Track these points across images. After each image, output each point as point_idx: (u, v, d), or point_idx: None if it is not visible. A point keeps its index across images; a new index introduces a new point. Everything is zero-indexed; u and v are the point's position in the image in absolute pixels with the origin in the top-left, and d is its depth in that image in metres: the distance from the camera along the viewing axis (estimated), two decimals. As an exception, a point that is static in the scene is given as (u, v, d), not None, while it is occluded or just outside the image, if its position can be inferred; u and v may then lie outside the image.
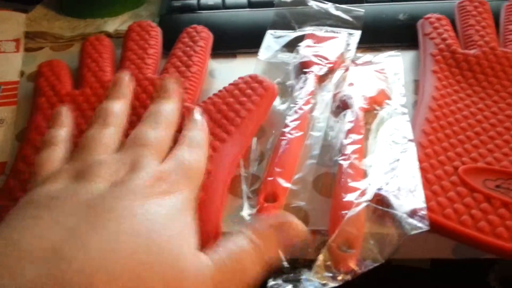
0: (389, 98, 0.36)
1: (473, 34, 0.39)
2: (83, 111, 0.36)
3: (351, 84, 0.37)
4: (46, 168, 0.27)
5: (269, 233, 0.26)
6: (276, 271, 0.26)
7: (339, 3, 0.45)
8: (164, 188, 0.25)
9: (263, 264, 0.24)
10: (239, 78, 0.37)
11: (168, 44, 0.42)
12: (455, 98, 0.35)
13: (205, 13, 0.47)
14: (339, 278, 0.25)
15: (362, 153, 0.31)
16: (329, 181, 0.31)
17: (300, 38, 0.43)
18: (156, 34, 0.42)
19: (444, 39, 0.39)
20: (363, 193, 0.28)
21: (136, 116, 0.35)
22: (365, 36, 0.43)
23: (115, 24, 0.50)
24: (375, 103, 0.36)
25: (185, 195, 0.25)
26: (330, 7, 0.45)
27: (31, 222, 0.21)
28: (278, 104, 0.37)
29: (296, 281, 0.25)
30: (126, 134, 0.30)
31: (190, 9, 0.48)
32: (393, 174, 0.29)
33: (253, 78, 0.36)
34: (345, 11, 0.45)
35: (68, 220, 0.21)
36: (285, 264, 0.26)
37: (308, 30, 0.44)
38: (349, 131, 0.33)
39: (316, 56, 0.40)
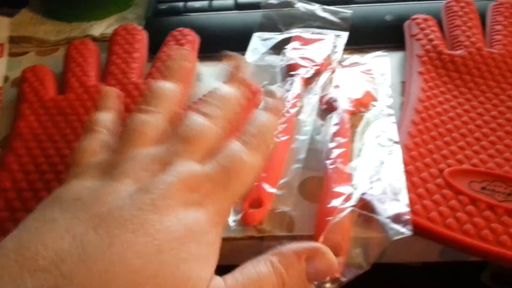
0: (375, 100, 0.36)
1: (460, 34, 0.39)
2: (66, 116, 0.35)
3: (337, 86, 0.37)
4: (86, 157, 0.25)
5: (295, 261, 0.23)
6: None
7: (326, 4, 0.45)
8: (192, 198, 0.22)
9: None
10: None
11: (155, 48, 0.41)
12: (441, 99, 0.35)
13: (191, 16, 0.47)
14: (326, 286, 0.25)
15: (347, 156, 0.31)
16: (315, 186, 0.31)
17: (287, 40, 0.43)
18: (142, 37, 0.41)
19: (430, 40, 0.39)
20: (348, 198, 0.28)
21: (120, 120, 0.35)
22: (352, 38, 0.42)
23: (101, 27, 0.49)
24: (361, 105, 0.36)
25: (215, 209, 0.22)
26: (317, 9, 0.45)
27: (46, 227, 0.21)
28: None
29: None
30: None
31: (177, 11, 0.48)
32: (378, 177, 0.29)
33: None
34: (332, 12, 0.44)
35: (79, 229, 0.20)
36: None
37: (295, 32, 0.43)
38: (335, 134, 0.33)
39: (302, 58, 0.40)
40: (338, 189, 0.29)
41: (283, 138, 0.32)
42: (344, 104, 0.35)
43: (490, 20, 0.41)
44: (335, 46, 0.42)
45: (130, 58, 0.39)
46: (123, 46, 0.40)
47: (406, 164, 0.30)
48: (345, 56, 0.42)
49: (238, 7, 0.47)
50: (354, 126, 0.34)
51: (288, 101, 0.35)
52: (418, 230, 0.27)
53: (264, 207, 0.28)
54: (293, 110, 0.35)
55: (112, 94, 0.30)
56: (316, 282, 0.24)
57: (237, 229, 0.29)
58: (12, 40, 0.48)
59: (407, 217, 0.26)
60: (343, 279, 0.25)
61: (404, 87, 0.38)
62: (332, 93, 0.37)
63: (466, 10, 0.41)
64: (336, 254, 0.26)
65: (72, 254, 0.19)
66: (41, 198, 0.31)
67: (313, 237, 0.27)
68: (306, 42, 0.42)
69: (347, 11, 0.44)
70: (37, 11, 0.52)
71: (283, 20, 0.44)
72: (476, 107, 0.34)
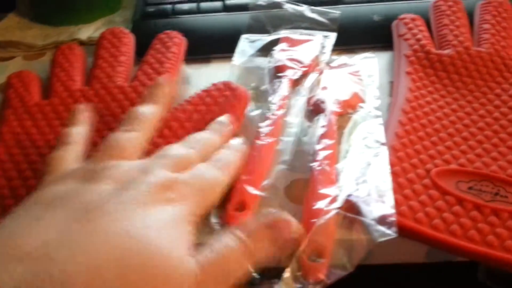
0: (363, 101, 0.36)
1: (447, 34, 0.39)
2: (50, 121, 0.35)
3: (324, 88, 0.37)
4: (59, 167, 0.27)
5: (259, 230, 0.25)
6: (246, 283, 0.25)
7: (314, 5, 0.45)
8: (169, 196, 0.24)
9: (253, 263, 0.24)
10: (212, 84, 0.36)
11: (143, 51, 0.41)
12: (429, 99, 0.35)
13: (179, 18, 0.47)
14: (309, 288, 0.25)
15: (334, 158, 0.31)
16: (301, 188, 0.31)
17: (275, 42, 0.42)
18: (128, 40, 0.41)
19: (418, 40, 0.39)
20: (333, 200, 0.28)
21: (104, 124, 0.34)
22: (341, 38, 0.42)
23: (89, 31, 0.49)
24: (349, 106, 0.35)
25: (189, 208, 0.25)
26: (305, 10, 0.45)
27: (31, 222, 0.22)
28: (252, 109, 0.37)
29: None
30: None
31: (165, 14, 0.47)
32: (364, 179, 0.29)
33: (226, 85, 0.36)
34: (320, 13, 0.44)
35: (64, 223, 0.21)
36: (255, 275, 0.25)
37: (283, 33, 0.43)
38: (322, 136, 0.32)
39: (290, 60, 0.40)
40: (324, 191, 0.28)
41: (268, 140, 0.32)
42: (331, 106, 0.35)
43: (478, 19, 0.40)
44: (323, 47, 0.42)
45: (116, 62, 0.39)
46: (109, 49, 0.40)
47: (392, 165, 0.30)
48: (334, 57, 0.41)
49: (226, 9, 0.47)
50: (341, 128, 0.34)
51: (275, 103, 0.35)
52: (404, 232, 0.27)
53: (248, 210, 0.28)
54: (279, 112, 0.34)
55: (83, 109, 0.32)
56: (299, 285, 0.24)
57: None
58: (-1, 45, 0.48)
59: (392, 218, 0.26)
60: (327, 281, 0.24)
61: (392, 87, 0.38)
62: (319, 94, 0.37)
63: (454, 9, 0.41)
64: (321, 256, 0.25)
65: (58, 241, 0.20)
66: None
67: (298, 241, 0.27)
68: (294, 43, 0.42)
69: (335, 11, 0.44)
70: (24, 15, 0.52)
71: (271, 22, 0.44)
72: (463, 106, 0.34)
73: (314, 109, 0.36)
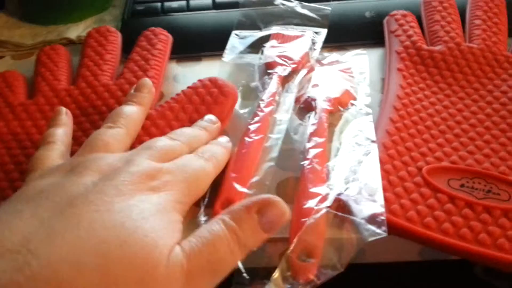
0: (354, 99, 0.36)
1: (439, 30, 0.38)
2: (35, 121, 0.35)
3: (315, 85, 0.36)
4: (43, 164, 0.27)
5: (246, 215, 0.24)
6: (236, 283, 0.25)
7: (305, 1, 0.44)
8: (153, 184, 0.24)
9: (242, 249, 0.23)
10: (198, 81, 0.35)
11: (131, 49, 0.40)
12: (420, 96, 0.34)
13: (169, 16, 0.46)
14: (299, 289, 0.24)
15: (324, 156, 0.30)
16: (292, 186, 0.30)
17: (266, 38, 0.42)
18: (115, 39, 0.40)
19: (409, 36, 0.38)
20: (324, 199, 0.27)
21: (90, 123, 0.34)
22: (332, 35, 0.42)
23: (78, 30, 0.48)
24: (340, 104, 0.35)
25: (176, 196, 0.24)
26: (296, 6, 0.44)
27: (12, 217, 0.21)
28: (242, 107, 0.36)
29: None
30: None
31: (154, 12, 0.47)
32: (354, 177, 0.28)
33: (213, 82, 0.35)
34: (311, 9, 0.44)
35: (46, 214, 0.21)
36: (245, 276, 0.25)
37: (273, 29, 0.43)
38: (312, 134, 0.32)
39: (280, 56, 0.39)
40: (314, 189, 0.28)
41: (256, 137, 0.32)
42: (322, 104, 0.34)
43: (469, 15, 0.40)
44: (314, 43, 0.41)
45: (102, 60, 0.38)
46: (96, 48, 0.39)
47: (383, 162, 0.29)
48: (325, 54, 0.41)
49: (216, 6, 0.46)
50: (332, 125, 0.34)
51: (264, 100, 0.35)
52: (396, 230, 0.26)
53: None
54: (268, 109, 0.34)
55: (63, 111, 0.32)
56: (288, 286, 0.24)
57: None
58: (-14, 44, 0.47)
59: (383, 217, 0.25)
60: (317, 281, 0.24)
61: (383, 84, 0.37)
62: (310, 92, 0.36)
63: (445, 5, 0.40)
64: (311, 255, 0.25)
65: (40, 234, 0.20)
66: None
67: (288, 239, 0.27)
68: (284, 39, 0.41)
69: (326, 7, 0.43)
70: (13, 14, 0.51)
71: (262, 18, 0.44)
72: (455, 103, 0.34)
73: (305, 107, 0.36)
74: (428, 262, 0.29)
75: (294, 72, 0.38)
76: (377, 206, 0.26)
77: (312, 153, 0.31)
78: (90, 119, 0.34)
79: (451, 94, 0.35)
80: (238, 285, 0.25)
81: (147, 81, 0.33)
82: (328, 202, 0.27)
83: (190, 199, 0.26)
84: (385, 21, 0.41)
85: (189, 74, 0.41)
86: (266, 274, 0.25)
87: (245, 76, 0.39)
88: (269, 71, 0.38)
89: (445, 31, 0.38)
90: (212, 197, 0.28)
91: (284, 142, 0.33)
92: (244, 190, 0.28)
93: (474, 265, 0.33)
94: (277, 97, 0.36)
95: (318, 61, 0.40)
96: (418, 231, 0.26)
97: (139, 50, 0.39)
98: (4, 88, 0.37)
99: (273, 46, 0.41)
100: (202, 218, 0.28)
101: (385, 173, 0.29)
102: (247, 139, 0.32)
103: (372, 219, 0.25)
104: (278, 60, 0.39)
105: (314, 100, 0.35)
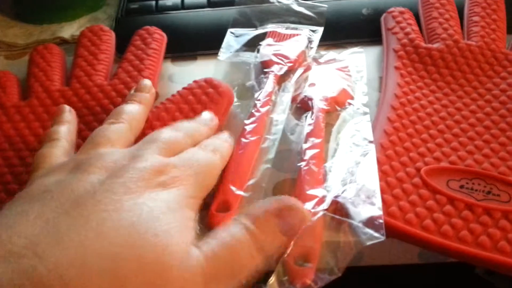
0: (351, 98, 0.35)
1: (437, 27, 0.38)
2: (29, 123, 0.34)
3: (312, 84, 0.36)
4: (47, 161, 0.26)
5: (267, 219, 0.23)
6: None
7: (302, -2, 0.44)
8: (162, 180, 0.23)
9: (262, 254, 0.22)
10: (194, 81, 0.35)
11: (125, 48, 0.40)
12: (418, 95, 0.34)
13: (163, 15, 0.45)
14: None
15: (321, 157, 0.30)
16: (288, 188, 0.30)
17: (262, 37, 0.41)
18: (109, 38, 0.40)
19: (407, 34, 0.38)
20: (320, 201, 0.27)
21: (84, 124, 0.33)
22: (329, 33, 0.41)
23: (72, 29, 0.47)
24: (337, 103, 0.34)
25: (186, 191, 0.24)
26: (293, 4, 0.44)
27: (17, 218, 0.20)
28: (237, 106, 0.36)
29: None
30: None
31: (148, 10, 0.46)
32: (352, 179, 0.28)
33: (208, 82, 0.35)
34: (307, 7, 0.43)
35: (52, 215, 0.20)
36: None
37: (269, 27, 0.42)
38: (309, 135, 0.32)
39: (276, 55, 0.39)
40: (311, 191, 0.27)
41: (252, 138, 0.31)
42: (319, 103, 0.34)
43: (467, 11, 0.39)
44: (310, 42, 0.40)
45: (96, 60, 0.37)
46: (89, 48, 0.39)
47: (381, 163, 0.29)
48: (322, 52, 0.40)
49: (211, 4, 0.46)
50: (329, 125, 0.33)
51: (260, 100, 0.34)
52: (394, 233, 0.26)
53: (232, 211, 0.27)
54: (264, 109, 0.33)
55: (67, 109, 0.32)
56: None
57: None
58: (-21, 44, 0.47)
59: (381, 220, 0.25)
60: (314, 286, 0.24)
61: (381, 82, 0.37)
62: (307, 91, 0.36)
63: (443, 1, 0.39)
64: (308, 259, 0.25)
65: (46, 236, 0.19)
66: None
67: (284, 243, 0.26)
68: (280, 38, 0.41)
69: (322, 5, 0.43)
70: (6, 13, 0.51)
71: (258, 16, 0.43)
72: (454, 101, 0.33)
73: (302, 106, 0.35)
74: (427, 265, 0.29)
75: (290, 71, 0.38)
76: (375, 209, 0.25)
77: (308, 154, 0.30)
78: (85, 120, 0.34)
79: (450, 92, 0.34)
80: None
81: (147, 82, 0.33)
82: (325, 205, 0.26)
83: (200, 194, 0.25)
84: (382, 18, 0.41)
85: (185, 73, 0.41)
86: (263, 278, 0.25)
87: (241, 75, 0.39)
88: (265, 70, 0.38)
89: (443, 28, 0.37)
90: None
91: (281, 142, 0.32)
92: (241, 193, 0.28)
93: (476, 266, 0.33)
94: (273, 97, 0.35)
95: (315, 59, 0.39)
96: (417, 234, 0.26)
97: (134, 49, 0.38)
98: (-3, 89, 0.36)
99: (269, 45, 0.40)
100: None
101: (383, 175, 0.28)
102: (243, 140, 0.31)
103: (370, 222, 0.25)
104: (274, 59, 0.38)
105: (310, 99, 0.34)
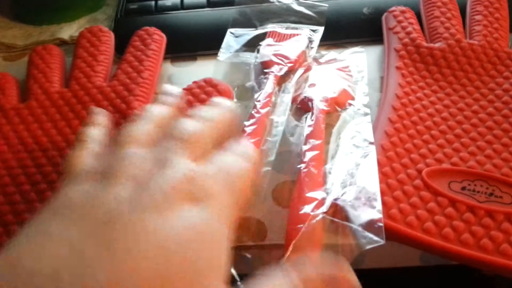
0: (352, 98, 0.35)
1: (438, 26, 0.37)
2: (28, 125, 0.34)
3: (312, 85, 0.36)
4: (75, 166, 0.25)
5: (317, 284, 0.21)
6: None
7: (302, -2, 0.44)
8: (193, 192, 0.21)
9: None
10: (193, 82, 0.35)
11: (125, 49, 0.40)
12: (420, 95, 0.33)
13: (163, 15, 0.45)
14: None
15: (321, 159, 0.30)
16: (288, 191, 0.30)
17: (262, 37, 0.41)
18: (108, 39, 0.40)
19: (408, 33, 0.37)
20: (320, 204, 0.26)
21: (79, 121, 0.33)
22: (329, 32, 0.41)
23: (72, 29, 0.47)
24: (337, 104, 0.34)
25: (220, 205, 0.22)
26: (293, 3, 0.43)
27: (40, 239, 0.19)
28: (237, 107, 0.36)
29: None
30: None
31: (148, 11, 0.46)
32: (352, 181, 0.27)
33: (208, 82, 0.34)
34: (308, 6, 0.43)
35: (77, 237, 0.19)
36: (240, 284, 0.24)
37: (269, 27, 0.42)
38: (309, 136, 0.31)
39: (276, 55, 0.38)
40: (310, 194, 0.27)
41: (252, 140, 0.31)
42: (319, 104, 0.34)
43: (469, 10, 0.39)
44: (310, 42, 0.40)
45: (95, 61, 0.37)
46: (88, 49, 0.38)
47: (382, 165, 0.29)
48: (323, 52, 0.40)
49: (211, 4, 0.45)
50: (330, 126, 0.33)
51: (259, 101, 0.34)
52: (395, 236, 0.26)
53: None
54: (264, 110, 0.33)
55: (102, 112, 0.30)
56: None
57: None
58: (-22, 46, 0.47)
59: (380, 224, 0.24)
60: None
61: (382, 83, 0.36)
62: (307, 92, 0.35)
63: (444, 0, 0.39)
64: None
65: (70, 267, 0.18)
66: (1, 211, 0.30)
67: (283, 246, 0.26)
68: (281, 38, 0.41)
69: (323, 4, 0.43)
70: (5, 15, 0.50)
71: (257, 16, 0.43)
72: (456, 101, 0.33)
73: (302, 107, 0.35)
74: (429, 267, 0.29)
75: (290, 71, 0.37)
76: (375, 212, 0.25)
77: (308, 156, 0.30)
78: (84, 123, 0.33)
79: (452, 92, 0.34)
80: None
81: (172, 87, 0.31)
82: (324, 208, 0.26)
83: (235, 208, 0.23)
84: (383, 17, 0.40)
85: (184, 74, 0.40)
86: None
87: (241, 75, 0.38)
88: (265, 70, 0.37)
89: (445, 28, 0.37)
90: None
91: (281, 144, 0.32)
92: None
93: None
94: (273, 98, 0.35)
95: (315, 59, 0.39)
96: (417, 237, 0.25)
97: (133, 50, 0.38)
98: (-4, 91, 0.36)
99: (269, 45, 0.40)
100: None
101: (384, 176, 0.28)
102: (243, 141, 0.31)
103: (370, 225, 0.25)
104: (274, 59, 0.38)
105: (311, 100, 0.34)
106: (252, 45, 0.40)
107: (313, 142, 0.31)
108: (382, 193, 0.27)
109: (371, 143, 0.30)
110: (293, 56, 0.38)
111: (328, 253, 0.25)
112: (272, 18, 0.43)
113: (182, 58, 0.42)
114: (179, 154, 0.23)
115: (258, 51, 0.39)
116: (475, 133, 0.31)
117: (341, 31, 0.42)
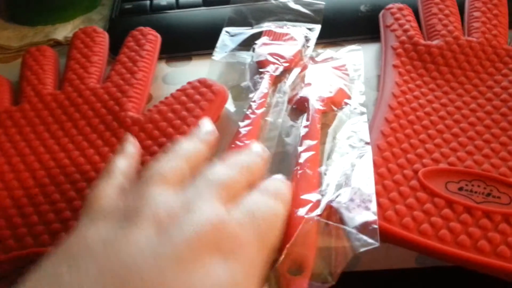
0: (348, 97, 0.34)
1: (436, 23, 0.37)
2: (20, 128, 0.33)
3: (308, 84, 0.35)
4: (98, 201, 0.23)
5: None
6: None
7: (298, -5, 0.43)
8: (220, 243, 0.20)
9: None
10: (187, 83, 0.35)
11: (119, 49, 0.39)
12: (417, 93, 0.33)
13: (158, 14, 0.45)
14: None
15: (316, 160, 0.29)
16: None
17: (258, 36, 0.41)
18: (102, 40, 0.39)
19: (405, 31, 0.37)
20: (315, 206, 0.26)
21: (76, 129, 0.33)
22: (326, 31, 0.40)
23: (66, 30, 0.47)
24: (334, 103, 0.34)
25: (249, 259, 0.20)
26: (289, 1, 0.43)
27: (49, 282, 0.18)
28: (232, 108, 0.35)
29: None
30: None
31: (143, 10, 0.45)
32: (347, 183, 0.27)
33: (202, 82, 0.34)
34: (304, 4, 0.42)
35: (87, 285, 0.18)
36: None
37: (265, 26, 0.41)
38: (304, 137, 0.31)
39: (272, 54, 0.38)
40: (305, 196, 0.27)
41: (247, 142, 0.30)
42: (315, 104, 0.33)
43: (468, 6, 0.38)
44: (307, 40, 0.40)
45: (88, 63, 0.37)
46: (82, 50, 0.38)
47: (378, 166, 0.28)
48: (319, 50, 0.40)
49: (206, 3, 0.45)
50: (326, 126, 0.32)
51: (255, 101, 0.33)
52: (390, 238, 0.25)
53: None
54: (259, 111, 0.33)
55: (130, 139, 0.29)
56: None
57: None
58: (-28, 47, 0.46)
59: (375, 226, 0.24)
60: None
61: (379, 81, 0.36)
62: (303, 91, 0.35)
63: (442, -4, 0.39)
64: (301, 267, 0.24)
65: None
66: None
67: (277, 249, 0.25)
68: (276, 36, 0.40)
69: (320, 2, 0.42)
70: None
71: (253, 14, 0.42)
72: (453, 100, 0.32)
73: (298, 107, 0.34)
74: (426, 268, 0.28)
75: (286, 70, 0.37)
76: (370, 214, 0.25)
77: (303, 157, 0.29)
78: (77, 125, 0.33)
79: (449, 91, 0.33)
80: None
81: (207, 123, 0.29)
82: (319, 210, 0.26)
83: (266, 255, 0.22)
84: (380, 15, 0.40)
85: (179, 74, 0.40)
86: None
87: (236, 75, 0.38)
88: (260, 70, 0.37)
89: (443, 25, 0.36)
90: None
91: (276, 145, 0.32)
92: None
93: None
94: (268, 98, 0.34)
95: (312, 58, 0.38)
96: (413, 239, 0.25)
97: (127, 51, 0.37)
98: (-13, 94, 0.36)
99: (264, 44, 0.39)
100: None
101: (379, 178, 0.27)
102: (238, 143, 0.31)
103: (365, 228, 0.24)
104: (270, 58, 0.37)
105: (306, 100, 0.34)
106: (247, 44, 0.40)
107: (308, 143, 0.30)
108: (378, 195, 0.26)
109: (367, 143, 0.29)
110: (289, 55, 0.38)
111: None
112: (268, 17, 0.42)
113: (177, 58, 0.42)
114: (207, 199, 0.21)
115: (253, 50, 0.39)
116: (472, 132, 0.30)
117: (338, 29, 0.41)
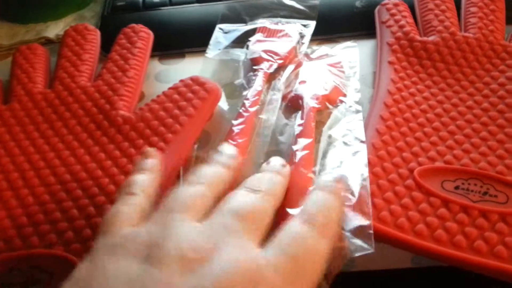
0: (343, 95, 0.34)
1: (432, 19, 0.36)
2: (10, 127, 0.33)
3: (303, 82, 0.35)
4: (117, 224, 0.22)
5: None
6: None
7: (293, -8, 0.42)
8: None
9: None
10: (180, 81, 0.34)
11: (111, 47, 0.39)
12: (413, 90, 0.32)
13: (151, 11, 0.44)
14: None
15: (311, 160, 0.29)
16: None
17: (252, 32, 0.40)
18: (93, 37, 0.39)
19: (401, 27, 0.36)
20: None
21: (66, 128, 0.33)
22: (321, 27, 0.40)
23: (58, 28, 0.46)
24: (328, 101, 0.33)
25: None
26: (284, -3, 0.42)
27: None
28: (225, 106, 0.35)
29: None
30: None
31: (135, 7, 0.45)
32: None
33: (195, 80, 0.33)
34: (299, 0, 0.42)
35: None
36: None
37: (259, 23, 0.41)
38: (298, 136, 0.30)
39: (266, 51, 0.37)
40: (298, 197, 0.26)
41: (240, 141, 0.30)
42: (310, 101, 0.33)
43: (464, 2, 0.38)
44: (302, 37, 0.39)
45: (79, 61, 0.36)
46: (73, 48, 0.37)
47: (372, 165, 0.28)
48: (314, 47, 0.39)
49: (199, 0, 0.44)
50: (321, 124, 0.32)
51: (248, 99, 0.33)
52: (385, 239, 0.25)
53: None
54: (252, 109, 0.32)
55: (154, 155, 0.27)
56: None
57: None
58: (-38, 46, 0.46)
59: (370, 231, 0.24)
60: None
61: (374, 78, 0.35)
62: (297, 89, 0.34)
63: (439, -8, 0.38)
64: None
65: None
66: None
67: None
68: (271, 33, 0.39)
69: (315, -2, 0.41)
70: (-10, 14, 0.49)
71: (247, 11, 0.42)
72: (450, 97, 0.32)
73: (292, 105, 0.34)
74: (422, 269, 0.28)
75: (281, 68, 0.36)
76: (365, 218, 0.24)
77: (298, 156, 0.29)
78: (67, 124, 0.33)
79: (446, 87, 0.33)
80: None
81: (232, 148, 0.28)
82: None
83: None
84: (376, 11, 0.39)
85: (172, 72, 0.39)
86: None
87: (230, 73, 0.37)
88: (254, 67, 0.36)
89: (439, 20, 0.36)
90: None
91: (270, 143, 0.31)
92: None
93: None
94: (262, 96, 0.34)
95: (306, 55, 0.38)
96: (408, 240, 0.24)
97: (119, 49, 0.37)
98: (-23, 93, 0.35)
99: (258, 41, 0.39)
100: None
101: (374, 177, 0.27)
102: (231, 141, 0.30)
103: (359, 231, 0.24)
104: (264, 56, 0.37)
105: (301, 98, 0.33)
106: (241, 41, 0.39)
107: (303, 141, 0.30)
108: (373, 195, 0.26)
109: (362, 141, 0.29)
110: (283, 52, 0.37)
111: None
112: (262, 13, 0.42)
113: (170, 56, 0.41)
114: (238, 236, 0.20)
115: (247, 47, 0.38)
116: (469, 130, 0.30)
117: (333, 25, 0.41)
